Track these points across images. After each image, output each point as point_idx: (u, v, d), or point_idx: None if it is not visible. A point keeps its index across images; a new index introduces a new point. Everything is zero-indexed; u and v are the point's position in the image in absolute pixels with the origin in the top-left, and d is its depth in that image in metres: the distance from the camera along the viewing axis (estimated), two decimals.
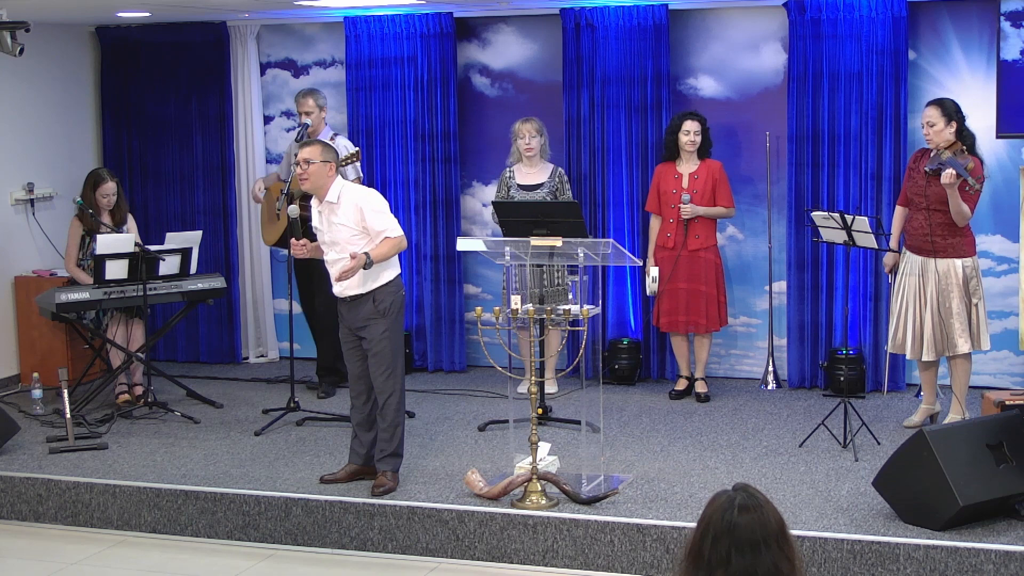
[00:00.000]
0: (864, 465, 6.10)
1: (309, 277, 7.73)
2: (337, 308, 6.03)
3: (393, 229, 5.84)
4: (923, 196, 6.49)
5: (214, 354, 9.04)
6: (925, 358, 6.61)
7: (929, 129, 6.49)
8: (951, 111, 6.49)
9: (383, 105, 8.46)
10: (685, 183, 7.49)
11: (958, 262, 6.46)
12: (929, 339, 6.52)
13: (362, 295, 5.85)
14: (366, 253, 5.72)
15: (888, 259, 6.96)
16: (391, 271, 5.92)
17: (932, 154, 6.48)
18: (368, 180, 8.22)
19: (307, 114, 7.71)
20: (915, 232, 6.53)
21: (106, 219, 7.73)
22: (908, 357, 6.73)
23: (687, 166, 7.51)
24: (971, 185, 6.28)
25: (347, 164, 7.25)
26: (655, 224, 7.65)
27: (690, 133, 7.42)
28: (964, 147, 6.42)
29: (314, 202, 5.95)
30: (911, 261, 6.58)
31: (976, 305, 6.49)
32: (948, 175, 6.23)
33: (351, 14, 8.40)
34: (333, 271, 5.91)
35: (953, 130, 6.45)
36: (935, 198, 6.41)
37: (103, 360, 7.92)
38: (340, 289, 5.90)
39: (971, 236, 6.56)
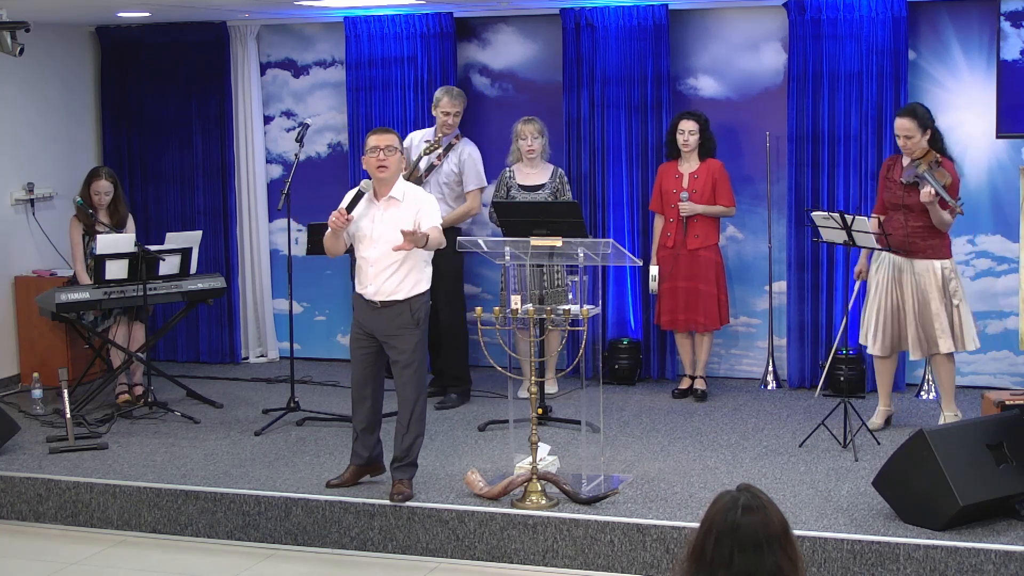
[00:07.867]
0: (864, 465, 6.10)
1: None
2: (354, 310, 5.84)
3: (440, 226, 5.72)
4: (901, 205, 6.49)
5: (214, 354, 9.04)
6: (912, 357, 6.67)
7: (906, 141, 6.43)
8: (925, 119, 6.45)
9: (383, 105, 8.46)
10: (685, 182, 7.49)
11: (936, 263, 6.47)
12: (914, 339, 6.54)
13: (399, 302, 5.65)
14: (425, 233, 5.52)
15: (861, 265, 6.96)
16: (426, 281, 5.75)
17: (907, 164, 6.48)
18: None
19: (455, 115, 7.50)
20: (892, 233, 6.50)
21: (104, 218, 7.72)
22: (878, 355, 6.68)
23: (688, 165, 7.52)
24: (952, 206, 6.28)
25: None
26: (658, 223, 7.66)
27: (685, 133, 7.43)
28: (937, 155, 6.40)
29: (368, 198, 5.69)
30: (887, 259, 6.57)
31: (957, 306, 6.48)
32: (927, 193, 6.25)
33: (351, 14, 8.40)
34: (371, 269, 5.65)
35: (928, 137, 6.45)
36: (915, 206, 6.42)
37: (103, 360, 7.92)
38: (375, 290, 5.64)
39: (948, 238, 6.56)
